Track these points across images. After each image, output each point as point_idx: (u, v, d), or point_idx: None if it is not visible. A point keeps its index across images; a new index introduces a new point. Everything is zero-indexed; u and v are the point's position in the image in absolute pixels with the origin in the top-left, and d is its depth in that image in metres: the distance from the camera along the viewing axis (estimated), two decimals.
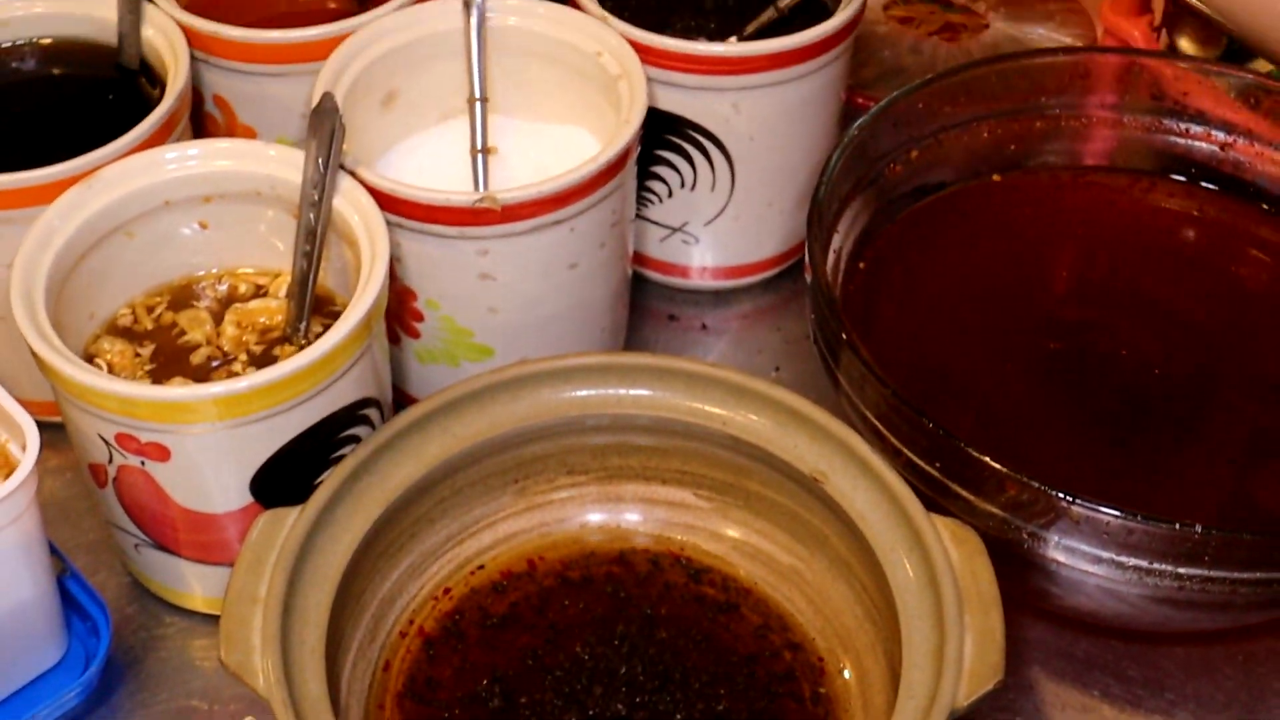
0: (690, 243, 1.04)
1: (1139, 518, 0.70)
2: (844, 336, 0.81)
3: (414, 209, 0.85)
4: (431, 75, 0.96)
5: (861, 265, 0.93)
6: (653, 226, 1.03)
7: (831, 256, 0.90)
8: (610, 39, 0.93)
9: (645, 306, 1.05)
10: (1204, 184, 0.99)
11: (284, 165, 0.86)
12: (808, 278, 0.85)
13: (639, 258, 1.04)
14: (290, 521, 0.77)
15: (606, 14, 0.94)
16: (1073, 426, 0.87)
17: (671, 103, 0.95)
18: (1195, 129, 1.00)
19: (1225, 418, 0.88)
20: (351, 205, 0.84)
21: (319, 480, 0.79)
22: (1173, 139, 1.01)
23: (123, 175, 0.85)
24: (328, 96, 0.83)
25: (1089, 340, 0.93)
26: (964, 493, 0.75)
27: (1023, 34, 1.20)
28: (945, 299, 0.94)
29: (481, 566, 0.86)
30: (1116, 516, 0.70)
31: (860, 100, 1.11)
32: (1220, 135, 0.98)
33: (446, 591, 0.85)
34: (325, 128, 0.83)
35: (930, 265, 0.96)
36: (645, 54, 0.92)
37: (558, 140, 0.97)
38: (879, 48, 1.19)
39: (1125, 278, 0.97)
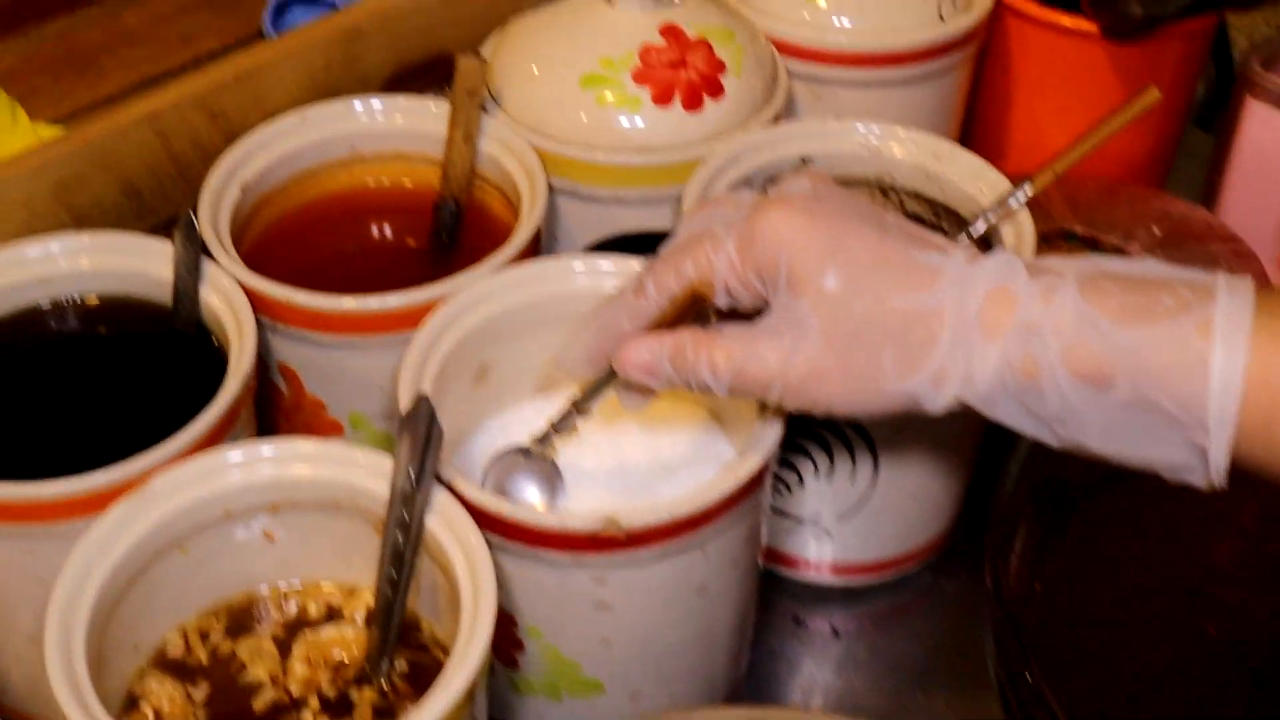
0: (821, 537, 0.93)
1: None
2: (1042, 695, 0.70)
3: (522, 532, 0.74)
4: (528, 346, 0.86)
5: (1038, 587, 0.82)
6: (781, 517, 0.93)
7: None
8: None
9: (766, 603, 0.94)
10: None
11: (368, 472, 0.75)
12: (992, 610, 0.77)
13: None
14: None
15: None
16: None
17: None
18: None
19: None
20: (447, 526, 0.73)
21: None
22: None
23: (179, 483, 0.74)
24: (422, 401, 0.72)
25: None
26: None
27: None
28: (1124, 619, 0.84)
29: None
30: None
31: None
32: None
33: None
34: (419, 434, 0.72)
35: (1104, 582, 0.85)
36: None
37: (674, 423, 0.87)
38: None
39: None
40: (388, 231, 0.99)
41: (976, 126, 1.20)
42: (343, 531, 0.77)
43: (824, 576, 0.95)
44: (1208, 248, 1.08)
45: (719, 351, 0.71)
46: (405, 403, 0.76)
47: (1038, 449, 0.80)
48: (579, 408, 0.79)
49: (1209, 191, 1.18)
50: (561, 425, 0.80)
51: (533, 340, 0.86)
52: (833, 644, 0.95)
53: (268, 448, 0.76)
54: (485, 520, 0.73)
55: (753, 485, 0.76)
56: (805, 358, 0.70)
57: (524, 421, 0.87)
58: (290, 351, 0.88)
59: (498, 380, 0.87)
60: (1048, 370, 0.66)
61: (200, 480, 0.75)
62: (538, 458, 0.82)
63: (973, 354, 0.68)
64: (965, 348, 0.68)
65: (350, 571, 0.79)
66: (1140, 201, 1.11)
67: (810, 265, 0.69)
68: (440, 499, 0.73)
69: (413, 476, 0.72)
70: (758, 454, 0.76)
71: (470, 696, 0.67)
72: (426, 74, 1.05)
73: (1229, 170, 1.15)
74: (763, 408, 0.78)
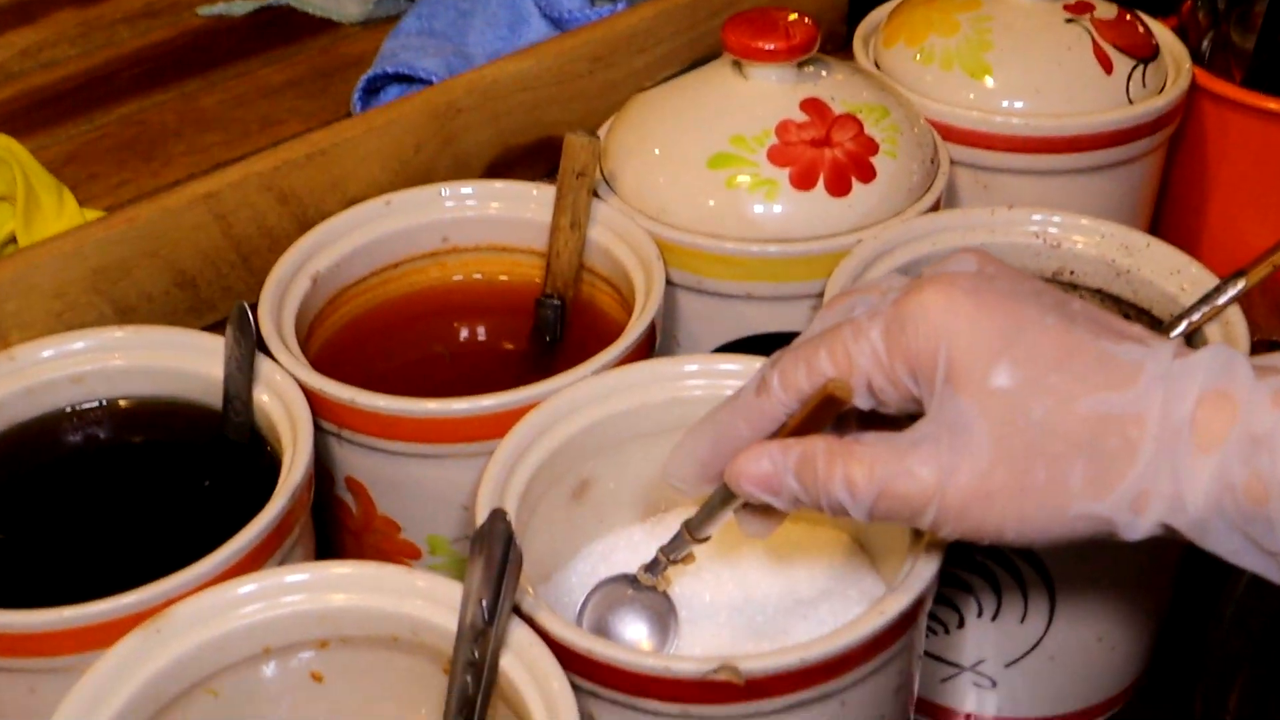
0: (984, 686, 0.82)
1: None
2: None
3: (617, 677, 0.63)
4: (635, 459, 0.77)
5: None
6: (935, 663, 0.82)
7: None
8: None
9: None
10: None
11: (433, 603, 0.65)
12: None
13: None
14: None
15: None
16: None
17: None
18: None
19: None
20: (526, 668, 0.62)
21: None
22: None
23: (205, 613, 0.65)
24: (498, 517, 0.63)
25: None
26: None
27: None
28: None
29: None
30: None
31: None
32: None
33: None
34: (494, 557, 0.62)
35: None
36: None
37: (811, 550, 0.75)
38: None
39: None
40: (482, 333, 0.91)
41: (1166, 221, 1.09)
42: (404, 672, 0.67)
43: None
44: None
45: (858, 465, 0.60)
46: (481, 520, 0.65)
47: (1259, 583, 0.68)
48: (693, 532, 0.68)
49: None
50: (674, 551, 0.70)
51: (641, 452, 0.76)
52: None
53: (314, 572, 0.66)
54: (573, 661, 0.63)
55: (903, 626, 0.65)
56: (969, 473, 0.58)
57: (631, 547, 0.77)
58: (359, 463, 0.79)
59: (600, 498, 0.77)
60: (1279, 493, 0.54)
61: (230, 610, 0.65)
62: (647, 589, 0.71)
63: (1181, 470, 0.56)
64: (1172, 462, 0.56)
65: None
66: None
67: (977, 358, 0.58)
68: (518, 635, 0.63)
69: (485, 608, 0.62)
70: (911, 590, 0.64)
71: None
72: (533, 158, 0.97)
73: None
74: (917, 534, 0.66)
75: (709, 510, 0.67)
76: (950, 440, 0.58)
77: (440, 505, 0.79)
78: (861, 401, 0.61)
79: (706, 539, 0.68)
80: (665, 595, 0.72)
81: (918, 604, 0.65)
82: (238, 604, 0.65)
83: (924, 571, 0.65)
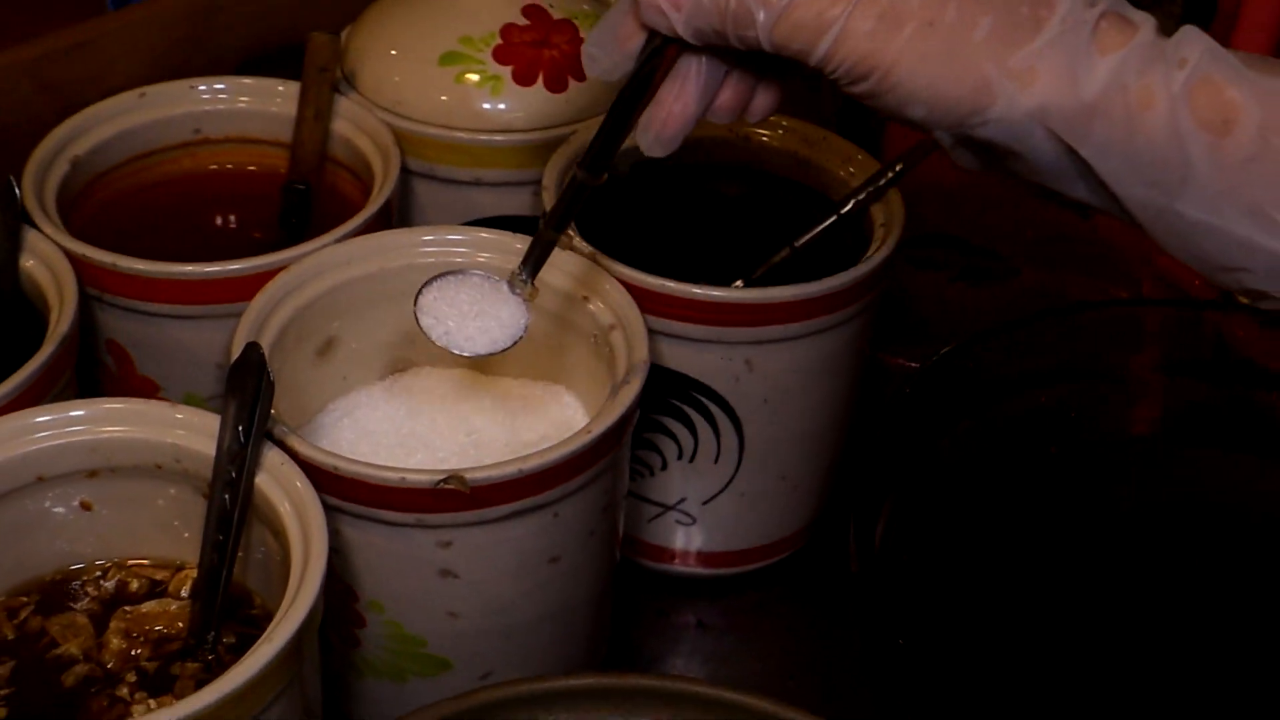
0: (686, 523, 0.89)
1: None
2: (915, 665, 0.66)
3: (359, 489, 0.69)
4: (377, 320, 0.83)
5: (905, 557, 0.76)
6: (642, 503, 0.88)
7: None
8: (601, 282, 0.79)
9: (629, 597, 0.89)
10: None
11: (193, 432, 0.70)
12: (859, 586, 0.69)
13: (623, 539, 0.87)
14: None
15: (595, 251, 0.80)
16: None
17: (673, 358, 0.81)
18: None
19: None
20: (279, 485, 0.68)
21: None
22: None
23: None
24: (252, 348, 0.69)
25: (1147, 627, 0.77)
26: None
27: (1058, 283, 1.06)
28: (1001, 595, 0.78)
29: None
30: None
31: (888, 359, 0.97)
32: None
33: None
34: (248, 387, 0.68)
35: (986, 560, 0.79)
36: (644, 300, 0.78)
37: (532, 403, 0.83)
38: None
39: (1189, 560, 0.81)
40: (232, 221, 0.95)
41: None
42: (168, 499, 0.72)
43: (688, 567, 0.91)
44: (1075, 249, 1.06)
45: None
46: (234, 354, 0.71)
47: (902, 413, 0.76)
48: (548, 222, 0.71)
49: None
50: (538, 252, 0.72)
51: (381, 315, 0.82)
52: (699, 637, 0.90)
53: (82, 408, 0.71)
54: (320, 478, 0.69)
55: (608, 445, 0.72)
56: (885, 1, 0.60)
57: (373, 404, 0.82)
58: (119, 326, 0.83)
59: (344, 357, 0.82)
60: (1166, 104, 0.60)
61: (6, 442, 0.70)
62: (504, 285, 0.73)
63: (1078, 61, 0.60)
64: (1070, 50, 0.60)
65: (176, 545, 0.74)
66: None
67: None
68: (271, 456, 0.69)
69: (240, 433, 0.67)
70: (613, 413, 0.72)
71: (294, 655, 0.62)
72: (285, 61, 0.99)
73: None
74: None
75: (568, 197, 0.70)
76: None
77: (196, 365, 0.83)
78: None
79: (569, 238, 0.73)
80: (523, 303, 0.72)
81: (620, 424, 0.72)
82: (12, 436, 0.69)
83: (625, 398, 0.72)
